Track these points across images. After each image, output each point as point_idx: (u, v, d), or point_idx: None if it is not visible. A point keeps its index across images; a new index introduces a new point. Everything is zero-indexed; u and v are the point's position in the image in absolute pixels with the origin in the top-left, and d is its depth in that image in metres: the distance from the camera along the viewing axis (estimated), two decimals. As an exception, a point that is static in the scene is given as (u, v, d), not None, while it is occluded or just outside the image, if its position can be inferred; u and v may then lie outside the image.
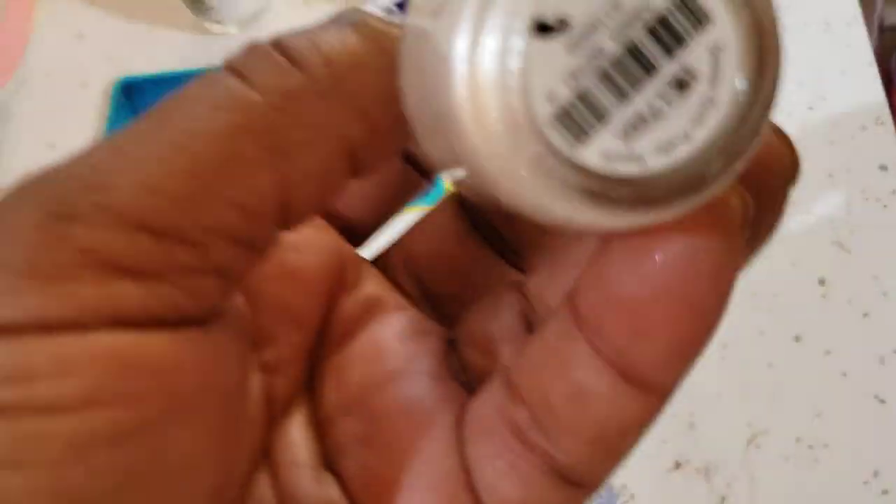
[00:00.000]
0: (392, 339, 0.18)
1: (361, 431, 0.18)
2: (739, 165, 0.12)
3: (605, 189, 0.12)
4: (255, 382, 0.17)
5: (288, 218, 0.15)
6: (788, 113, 0.44)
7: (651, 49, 0.12)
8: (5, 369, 0.13)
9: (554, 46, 0.12)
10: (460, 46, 0.12)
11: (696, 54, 0.12)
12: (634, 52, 0.12)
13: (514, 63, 0.12)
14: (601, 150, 0.12)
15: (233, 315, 0.16)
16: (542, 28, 0.12)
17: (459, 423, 0.17)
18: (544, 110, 0.12)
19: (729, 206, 0.13)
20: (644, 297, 0.13)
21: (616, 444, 0.15)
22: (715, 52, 0.12)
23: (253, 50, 0.14)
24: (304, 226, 0.17)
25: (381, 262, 0.20)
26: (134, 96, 0.52)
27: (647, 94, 0.12)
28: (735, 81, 0.12)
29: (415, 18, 0.13)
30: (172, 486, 0.14)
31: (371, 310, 0.19)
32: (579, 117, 0.12)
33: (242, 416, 0.16)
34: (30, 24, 0.55)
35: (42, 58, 0.54)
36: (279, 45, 0.14)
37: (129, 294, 0.13)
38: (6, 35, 0.52)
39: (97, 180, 0.13)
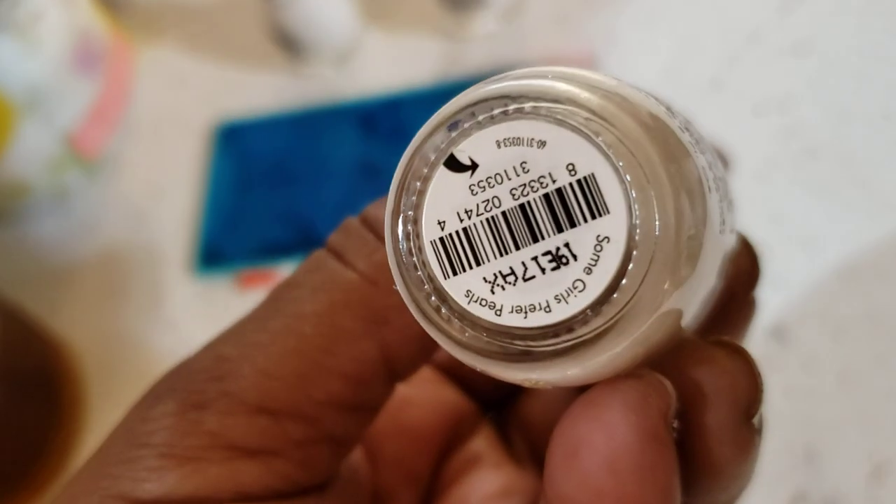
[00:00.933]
0: (477, 499, 0.19)
1: None
2: (616, 345, 0.13)
3: (462, 330, 0.13)
4: None
5: (395, 377, 0.16)
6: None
7: (542, 217, 0.12)
8: None
9: (457, 181, 0.13)
10: (402, 160, 0.14)
11: (582, 238, 0.12)
12: (526, 214, 0.13)
13: (419, 184, 0.13)
14: (465, 288, 0.13)
15: (350, 477, 0.17)
16: (454, 164, 0.13)
17: None
18: (431, 233, 0.13)
19: (647, 404, 0.13)
20: (583, 500, 0.13)
21: None
22: (601, 243, 0.12)
23: (346, 227, 0.16)
24: (424, 381, 0.18)
25: (499, 415, 0.21)
26: (236, 139, 0.53)
27: (524, 256, 0.13)
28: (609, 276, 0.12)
29: None
30: None
31: (468, 467, 0.19)
32: (457, 250, 0.13)
33: None
34: (133, 74, 0.57)
35: (145, 106, 0.57)
36: (366, 221, 0.16)
37: (249, 472, 0.15)
38: (113, 86, 0.54)
39: (222, 370, 0.15)
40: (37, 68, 0.48)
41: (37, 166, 0.50)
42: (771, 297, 0.36)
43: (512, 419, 0.21)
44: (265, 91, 0.54)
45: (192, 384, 0.15)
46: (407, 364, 0.16)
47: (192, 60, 0.58)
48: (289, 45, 0.52)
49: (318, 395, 0.15)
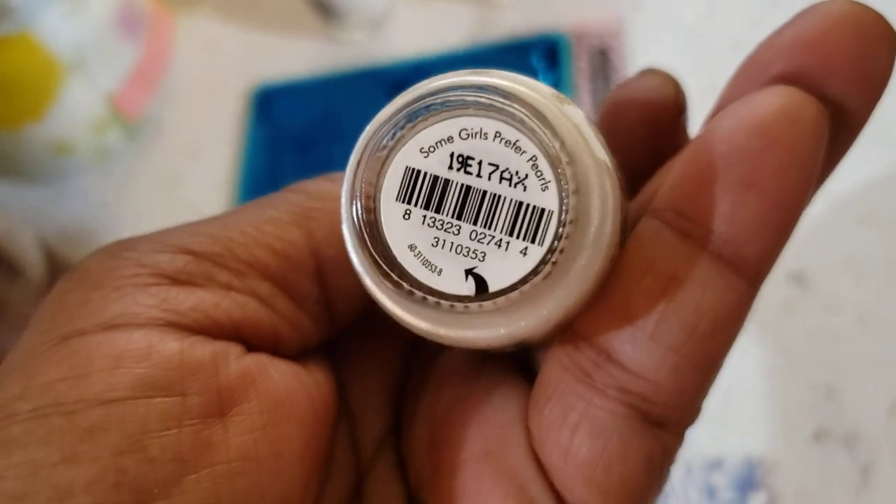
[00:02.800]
0: (461, 364, 0.19)
1: (427, 436, 0.18)
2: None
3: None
4: (338, 419, 0.18)
5: (326, 285, 0.18)
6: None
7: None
8: (65, 368, 0.14)
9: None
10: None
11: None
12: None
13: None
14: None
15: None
16: None
17: (525, 411, 0.17)
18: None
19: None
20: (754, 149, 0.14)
21: (704, 349, 0.14)
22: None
23: (287, 188, 0.18)
24: None
25: None
26: (271, 103, 0.55)
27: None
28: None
29: None
30: (235, 479, 0.15)
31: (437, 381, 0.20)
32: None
33: (314, 422, 0.17)
34: (172, 39, 0.59)
35: (183, 71, 0.58)
36: (301, 188, 0.18)
37: (179, 299, 0.16)
38: (154, 50, 0.56)
39: (156, 234, 0.17)
40: (83, 29, 0.50)
41: (80, 125, 0.52)
42: (791, 242, 0.37)
43: None
44: (299, 56, 0.56)
45: (126, 243, 0.17)
46: (335, 262, 0.17)
47: (228, 26, 0.59)
48: (323, 10, 0.54)
49: (241, 254, 0.16)
